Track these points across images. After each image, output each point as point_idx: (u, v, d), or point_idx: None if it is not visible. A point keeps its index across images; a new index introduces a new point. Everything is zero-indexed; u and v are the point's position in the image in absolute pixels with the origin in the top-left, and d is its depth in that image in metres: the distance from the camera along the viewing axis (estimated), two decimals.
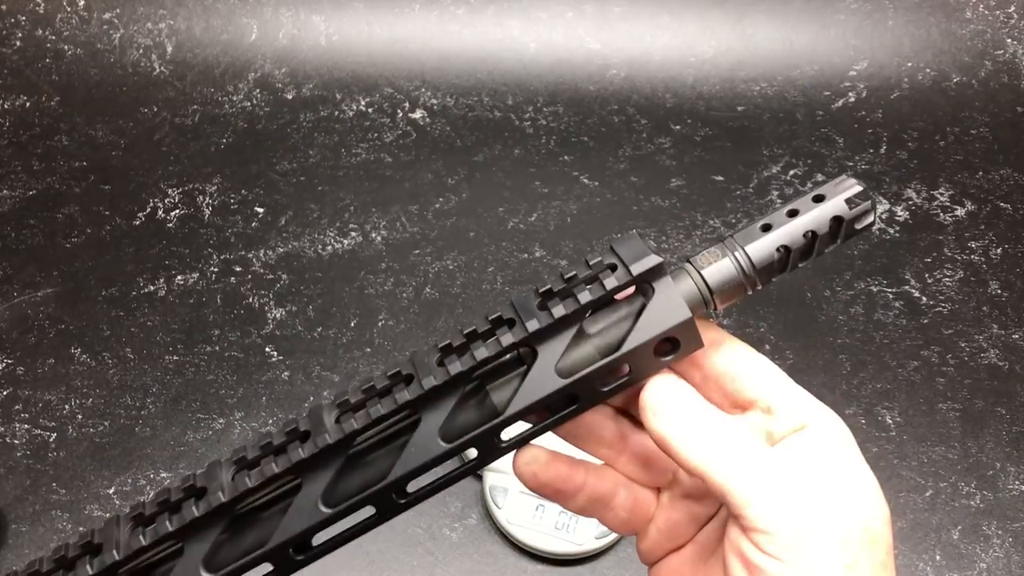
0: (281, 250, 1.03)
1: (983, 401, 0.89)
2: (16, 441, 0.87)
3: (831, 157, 1.12)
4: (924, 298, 0.97)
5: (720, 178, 1.10)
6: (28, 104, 1.20)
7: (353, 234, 1.04)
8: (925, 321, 0.95)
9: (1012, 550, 0.79)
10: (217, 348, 0.94)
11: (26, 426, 0.89)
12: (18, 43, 1.23)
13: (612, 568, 0.78)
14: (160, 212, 1.07)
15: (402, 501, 0.35)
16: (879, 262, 1.01)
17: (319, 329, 0.95)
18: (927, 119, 1.16)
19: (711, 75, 1.20)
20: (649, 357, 0.34)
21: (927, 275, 0.99)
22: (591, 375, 0.34)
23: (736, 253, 0.35)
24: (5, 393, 0.91)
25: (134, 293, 0.99)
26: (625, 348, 0.34)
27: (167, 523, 0.34)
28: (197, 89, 1.20)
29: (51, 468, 0.86)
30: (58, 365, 0.93)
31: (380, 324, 0.95)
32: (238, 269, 1.01)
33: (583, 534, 0.77)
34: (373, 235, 1.04)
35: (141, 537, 0.34)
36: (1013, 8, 1.20)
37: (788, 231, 0.35)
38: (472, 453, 0.36)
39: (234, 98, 1.20)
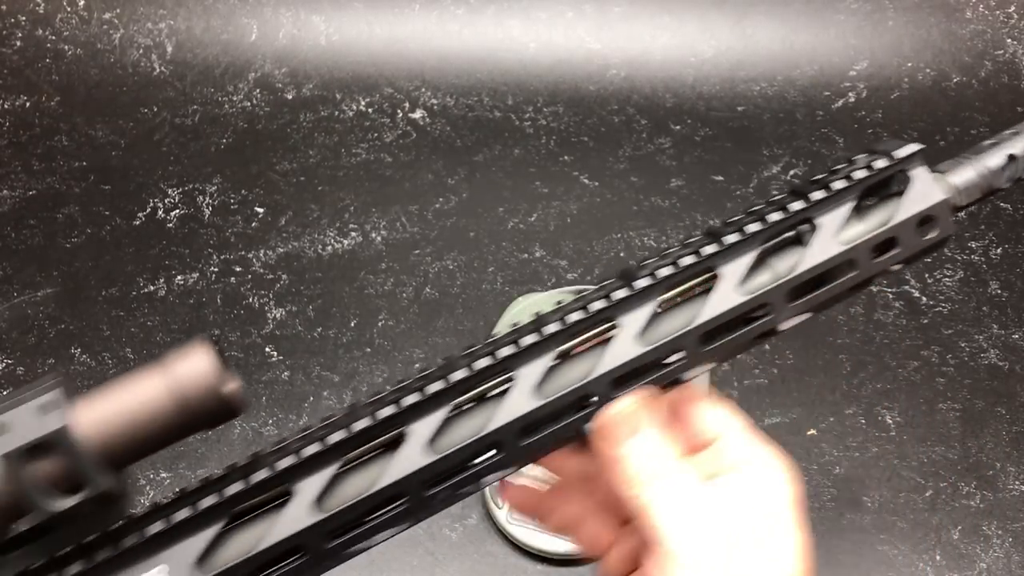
0: (281, 250, 1.03)
1: (983, 401, 0.89)
2: None
3: (831, 157, 1.12)
4: (924, 298, 0.97)
5: (720, 178, 1.10)
6: (28, 104, 1.20)
7: (353, 234, 1.04)
8: (925, 321, 0.95)
9: (1012, 550, 0.79)
10: (217, 348, 0.94)
11: None
12: (18, 43, 1.24)
13: None
14: (160, 212, 1.08)
15: (708, 348, 0.38)
16: None
17: (319, 329, 0.95)
18: (927, 119, 1.16)
19: (711, 75, 1.20)
20: (913, 232, 0.39)
21: (927, 275, 0.99)
22: (868, 243, 0.38)
23: (972, 160, 0.41)
24: (5, 394, 0.91)
25: (134, 293, 0.99)
26: (895, 220, 0.38)
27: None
28: (197, 89, 1.20)
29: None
30: (58, 365, 0.93)
31: (380, 324, 0.95)
32: (238, 269, 1.01)
33: None
34: (373, 235, 1.04)
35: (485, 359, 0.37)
36: (1013, 8, 1.20)
37: (1015, 142, 0.42)
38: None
39: (234, 98, 1.20)
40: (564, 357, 0.37)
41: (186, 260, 1.02)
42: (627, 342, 0.37)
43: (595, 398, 0.37)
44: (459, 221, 1.06)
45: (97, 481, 0.33)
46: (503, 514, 0.78)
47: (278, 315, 0.97)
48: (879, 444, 0.86)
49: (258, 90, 1.20)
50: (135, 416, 0.33)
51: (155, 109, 1.19)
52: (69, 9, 1.24)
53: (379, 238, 1.04)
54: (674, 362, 0.38)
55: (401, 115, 1.17)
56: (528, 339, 0.37)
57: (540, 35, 1.22)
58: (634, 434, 0.37)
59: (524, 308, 0.91)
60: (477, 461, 0.37)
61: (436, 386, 0.37)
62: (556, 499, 0.43)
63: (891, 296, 0.97)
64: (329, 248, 1.03)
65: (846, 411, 0.88)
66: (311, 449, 0.36)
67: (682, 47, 1.22)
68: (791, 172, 1.10)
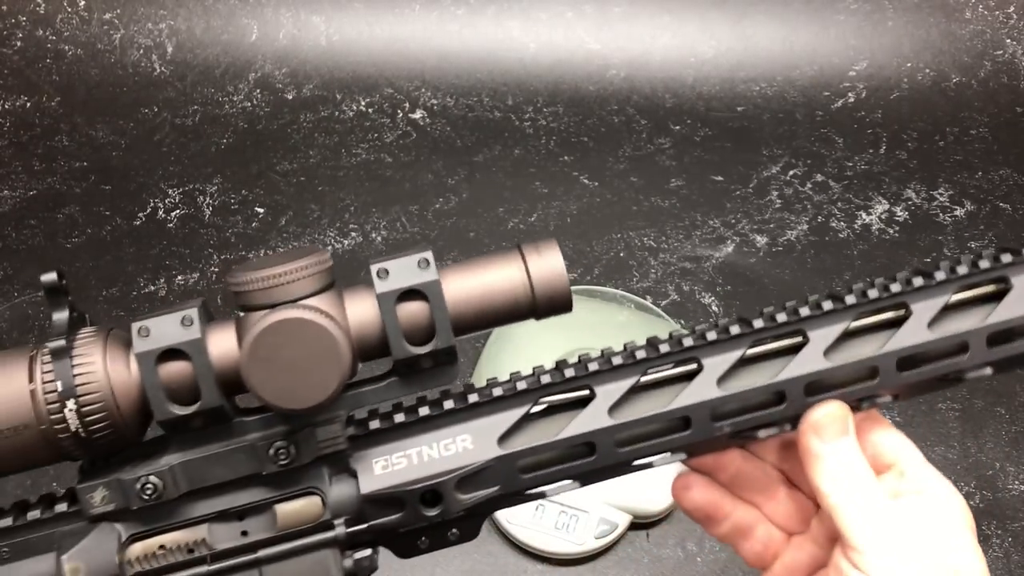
0: (281, 250, 1.03)
1: (983, 401, 0.89)
2: None
3: (831, 157, 1.12)
4: None
5: (720, 178, 1.10)
6: (29, 104, 1.20)
7: (353, 234, 1.05)
8: None
9: (1012, 550, 0.79)
10: None
11: None
12: (19, 43, 1.24)
13: (612, 568, 0.78)
14: (160, 212, 1.08)
15: (992, 350, 0.39)
16: (879, 262, 1.01)
17: None
18: (927, 119, 1.16)
19: (711, 75, 1.20)
20: None
21: None
22: None
23: None
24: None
25: (135, 293, 0.99)
26: None
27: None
28: (197, 89, 1.20)
29: (52, 468, 0.86)
30: None
31: None
32: None
33: (583, 534, 0.77)
34: (373, 235, 1.04)
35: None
36: (1012, 8, 1.20)
37: None
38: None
39: (234, 98, 1.20)
40: (849, 335, 0.39)
41: (186, 260, 1.02)
42: (919, 327, 0.39)
43: (876, 380, 0.39)
44: (459, 221, 1.06)
45: (446, 336, 0.37)
46: (503, 514, 0.78)
47: None
48: None
49: (258, 90, 1.20)
50: (489, 289, 0.37)
51: (155, 109, 1.19)
52: (70, 9, 1.24)
53: (379, 238, 1.04)
54: (959, 361, 0.39)
55: (401, 115, 1.17)
56: (827, 304, 0.39)
57: (540, 35, 1.22)
58: (844, 435, 0.39)
59: None
60: (761, 410, 0.39)
61: (736, 328, 0.39)
62: (732, 505, 0.45)
63: None
64: (330, 248, 1.03)
65: None
66: (616, 359, 0.39)
67: (682, 47, 1.22)
68: (791, 172, 1.10)
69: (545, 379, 0.39)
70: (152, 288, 1.00)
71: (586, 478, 0.40)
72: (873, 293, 0.39)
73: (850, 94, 1.18)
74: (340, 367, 0.35)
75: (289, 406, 0.35)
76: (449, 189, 1.09)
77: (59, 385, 0.35)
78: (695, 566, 0.79)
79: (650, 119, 1.17)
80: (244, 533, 0.38)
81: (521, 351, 0.86)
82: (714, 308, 0.97)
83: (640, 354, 0.39)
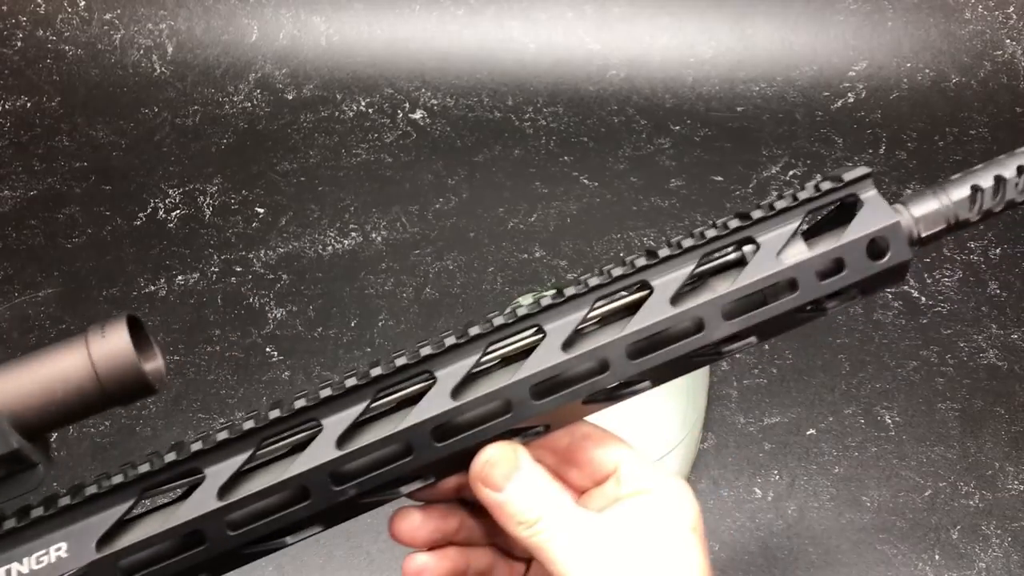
0: (282, 250, 1.03)
1: (982, 401, 0.89)
2: None
3: (830, 157, 1.12)
4: (923, 298, 0.97)
5: (720, 178, 1.10)
6: (29, 105, 1.20)
7: (353, 234, 1.05)
8: (924, 321, 0.95)
9: (1011, 550, 0.79)
10: (217, 348, 0.94)
11: None
12: (19, 44, 1.24)
13: None
14: (161, 212, 1.08)
15: (637, 362, 0.37)
16: None
17: (319, 329, 0.95)
18: (926, 119, 1.16)
19: (711, 75, 1.20)
20: (862, 256, 0.37)
21: (926, 275, 0.99)
22: (812, 263, 0.37)
23: (935, 191, 0.39)
24: None
25: (135, 293, 0.99)
26: (840, 242, 0.37)
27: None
28: (198, 90, 1.20)
29: (51, 468, 0.86)
30: None
31: (380, 324, 0.96)
32: (239, 269, 1.01)
33: None
34: (373, 235, 1.04)
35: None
36: (1012, 9, 1.20)
37: (979, 174, 0.39)
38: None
39: (235, 99, 1.20)
40: (483, 369, 0.37)
41: (187, 260, 1.02)
42: (551, 349, 0.36)
43: (511, 413, 0.36)
44: (459, 221, 1.06)
45: (4, 440, 0.34)
46: None
47: (279, 315, 0.97)
48: (878, 444, 0.86)
49: (259, 90, 1.20)
50: (50, 382, 0.34)
51: (156, 109, 1.19)
52: (70, 10, 1.24)
53: (379, 238, 1.04)
54: (602, 377, 0.36)
55: (401, 115, 1.18)
56: (450, 339, 0.36)
57: (540, 36, 1.23)
58: (514, 473, 0.37)
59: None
60: (390, 464, 0.36)
61: (351, 380, 0.36)
62: (467, 556, 0.43)
63: (890, 296, 0.98)
64: (329, 248, 1.03)
65: (845, 411, 0.88)
66: (222, 435, 0.35)
67: (682, 47, 1.22)
68: (790, 172, 1.10)
69: (142, 470, 0.36)
70: (152, 288, 1.00)
71: (213, 567, 0.36)
72: (500, 320, 0.37)
73: (850, 94, 1.18)
74: None
75: None
76: (449, 189, 1.09)
77: None
78: None
79: (650, 119, 1.17)
80: None
81: None
82: None
83: (247, 424, 0.35)
